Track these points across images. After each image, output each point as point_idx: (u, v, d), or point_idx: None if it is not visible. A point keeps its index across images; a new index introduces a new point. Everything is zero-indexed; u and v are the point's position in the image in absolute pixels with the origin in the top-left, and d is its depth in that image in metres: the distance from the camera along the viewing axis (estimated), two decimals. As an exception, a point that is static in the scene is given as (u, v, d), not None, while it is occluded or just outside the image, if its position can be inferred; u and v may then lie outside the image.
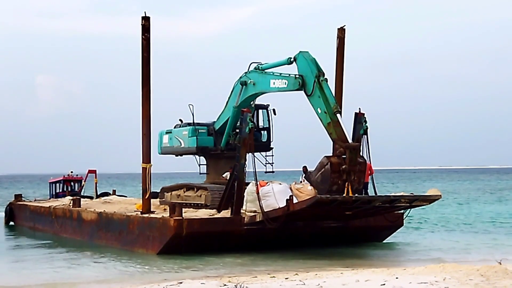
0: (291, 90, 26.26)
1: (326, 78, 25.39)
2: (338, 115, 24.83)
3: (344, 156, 24.29)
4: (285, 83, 26.41)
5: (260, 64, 28.42)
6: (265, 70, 28.11)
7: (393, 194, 25.79)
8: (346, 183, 24.34)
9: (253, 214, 25.73)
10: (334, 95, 25.80)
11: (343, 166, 24.26)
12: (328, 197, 23.12)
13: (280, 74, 26.90)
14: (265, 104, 31.53)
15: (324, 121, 24.94)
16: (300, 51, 25.98)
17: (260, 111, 31.65)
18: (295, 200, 24.17)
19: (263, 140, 31.76)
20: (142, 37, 28.56)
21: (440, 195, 26.00)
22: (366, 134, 27.55)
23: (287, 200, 24.32)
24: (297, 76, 25.73)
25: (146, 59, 28.65)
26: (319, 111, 25.03)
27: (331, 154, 25.37)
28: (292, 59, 26.30)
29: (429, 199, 26.19)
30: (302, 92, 25.77)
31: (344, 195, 24.07)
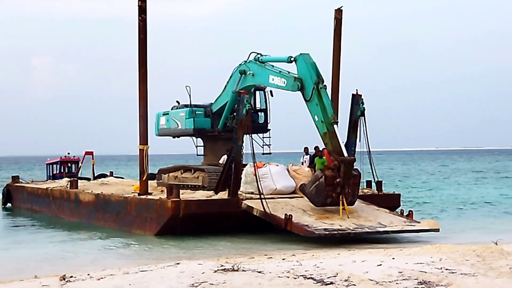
0: (289, 90, 26.19)
1: (325, 85, 25.34)
2: (335, 126, 24.85)
3: (339, 168, 24.38)
4: (284, 82, 26.36)
5: (260, 55, 28.31)
6: (265, 63, 27.98)
7: (391, 229, 24.72)
8: (341, 196, 24.54)
9: (250, 205, 25.49)
10: (331, 104, 25.72)
11: (338, 180, 24.36)
12: (326, 234, 22.83)
13: (280, 71, 26.79)
14: (263, 85, 31.49)
15: (321, 130, 25.03)
16: (300, 53, 25.75)
17: (257, 92, 31.70)
18: (294, 220, 23.68)
19: (260, 122, 31.84)
20: (138, 19, 28.45)
21: (438, 229, 24.59)
22: (364, 116, 27.66)
23: (285, 215, 23.89)
24: (296, 78, 25.62)
25: (143, 41, 28.56)
26: (316, 118, 25.08)
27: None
28: (292, 59, 26.07)
29: (427, 231, 24.77)
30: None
31: (340, 207, 24.42)
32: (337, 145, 24.76)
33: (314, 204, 25.04)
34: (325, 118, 24.81)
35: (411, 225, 24.78)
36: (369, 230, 23.52)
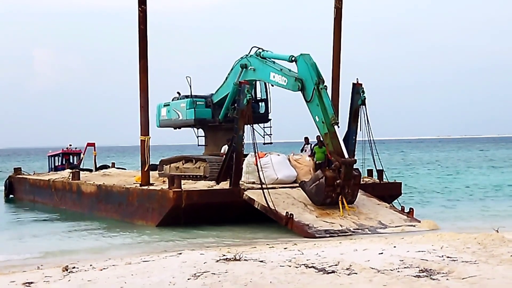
0: (289, 89, 26.19)
1: (325, 86, 25.39)
2: (335, 126, 24.96)
3: (339, 170, 24.48)
4: (285, 81, 26.35)
5: (262, 51, 28.28)
6: (266, 59, 27.94)
7: (391, 231, 24.18)
8: (340, 196, 24.71)
9: (251, 197, 25.47)
10: (332, 105, 25.73)
11: (338, 181, 24.55)
12: (327, 236, 22.80)
13: (281, 69, 26.75)
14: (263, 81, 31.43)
15: (321, 130, 25.19)
16: (301, 54, 25.71)
17: (258, 82, 31.62)
18: (295, 218, 23.72)
19: (261, 112, 31.84)
20: (138, 9, 28.38)
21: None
22: (364, 105, 27.61)
23: (287, 213, 23.94)
24: (297, 78, 25.58)
25: (143, 32, 28.51)
26: (317, 119, 25.18)
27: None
28: (293, 58, 26.01)
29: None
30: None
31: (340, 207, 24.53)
32: (338, 146, 24.84)
33: (313, 202, 25.19)
34: (325, 118, 24.90)
35: (412, 225, 24.71)
36: (369, 232, 23.53)
